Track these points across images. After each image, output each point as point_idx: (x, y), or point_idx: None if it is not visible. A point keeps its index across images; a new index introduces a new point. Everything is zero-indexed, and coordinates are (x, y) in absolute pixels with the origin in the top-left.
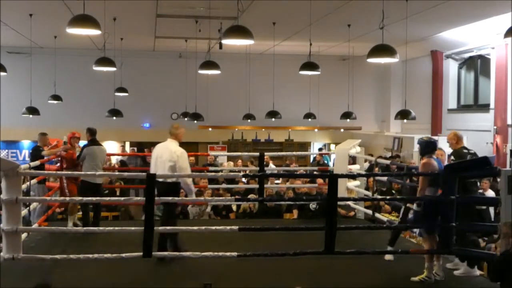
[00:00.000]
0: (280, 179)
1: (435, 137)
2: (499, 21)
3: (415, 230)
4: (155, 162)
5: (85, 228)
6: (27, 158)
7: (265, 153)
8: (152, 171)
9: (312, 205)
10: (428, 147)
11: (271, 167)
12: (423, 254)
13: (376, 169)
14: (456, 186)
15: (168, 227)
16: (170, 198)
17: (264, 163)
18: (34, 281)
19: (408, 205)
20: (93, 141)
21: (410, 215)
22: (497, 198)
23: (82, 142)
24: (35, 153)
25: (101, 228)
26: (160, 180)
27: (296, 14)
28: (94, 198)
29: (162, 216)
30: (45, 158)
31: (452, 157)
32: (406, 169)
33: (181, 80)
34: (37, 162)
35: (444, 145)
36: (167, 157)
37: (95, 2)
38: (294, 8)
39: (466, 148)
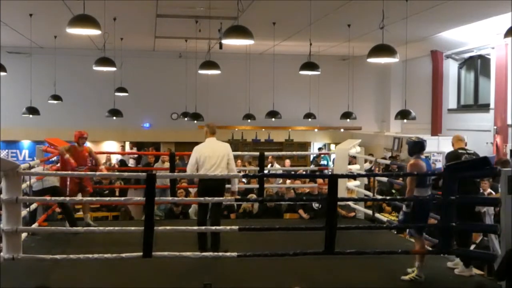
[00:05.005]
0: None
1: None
2: (499, 21)
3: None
4: (208, 160)
5: (85, 228)
6: (27, 158)
7: (269, 153)
8: (203, 170)
9: (315, 204)
10: (415, 147)
11: (276, 166)
12: (423, 254)
13: (381, 168)
14: (455, 186)
15: (168, 227)
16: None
17: (270, 163)
18: (34, 281)
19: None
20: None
21: (400, 216)
22: (497, 198)
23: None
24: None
25: (101, 228)
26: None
27: (296, 14)
28: (83, 198)
29: (212, 214)
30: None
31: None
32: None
33: (181, 80)
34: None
35: (444, 145)
36: (222, 152)
37: (95, 2)
38: (294, 8)
39: (463, 149)
